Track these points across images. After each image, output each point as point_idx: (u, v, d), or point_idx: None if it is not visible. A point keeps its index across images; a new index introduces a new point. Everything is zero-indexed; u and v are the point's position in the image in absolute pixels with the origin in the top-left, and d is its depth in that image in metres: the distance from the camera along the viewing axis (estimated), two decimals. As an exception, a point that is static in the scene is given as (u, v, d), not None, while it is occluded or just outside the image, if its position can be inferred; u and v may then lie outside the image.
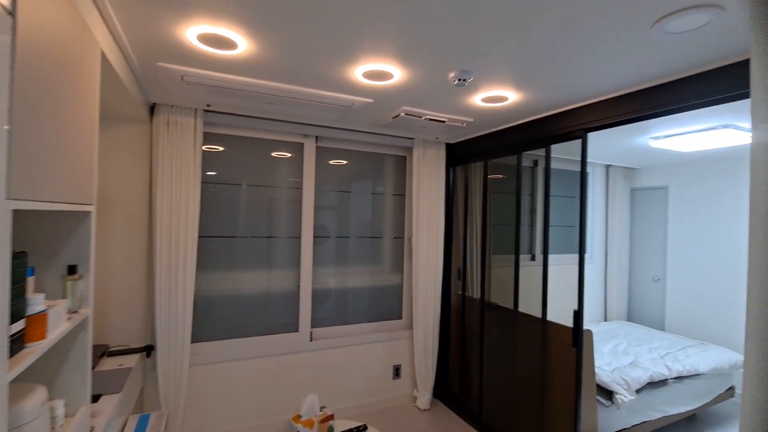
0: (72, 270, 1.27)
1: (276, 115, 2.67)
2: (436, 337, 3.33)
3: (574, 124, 2.25)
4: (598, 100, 2.12)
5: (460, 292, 3.34)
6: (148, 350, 2.46)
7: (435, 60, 1.70)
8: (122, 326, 2.47)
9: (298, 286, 3.05)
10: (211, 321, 2.79)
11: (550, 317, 2.46)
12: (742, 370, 3.13)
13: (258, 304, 2.93)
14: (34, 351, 0.94)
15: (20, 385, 1.05)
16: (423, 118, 2.52)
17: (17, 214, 1.20)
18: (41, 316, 0.99)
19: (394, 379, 3.36)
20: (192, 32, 1.50)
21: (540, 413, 2.46)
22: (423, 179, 3.24)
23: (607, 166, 4.45)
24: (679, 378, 2.89)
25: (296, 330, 3.03)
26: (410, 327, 3.47)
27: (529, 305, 2.64)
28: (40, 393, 1.05)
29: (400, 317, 3.47)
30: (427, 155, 3.27)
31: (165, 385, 2.46)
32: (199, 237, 2.71)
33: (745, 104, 2.09)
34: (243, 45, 1.60)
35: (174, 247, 2.45)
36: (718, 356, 3.13)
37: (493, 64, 1.72)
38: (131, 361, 2.24)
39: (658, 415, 2.77)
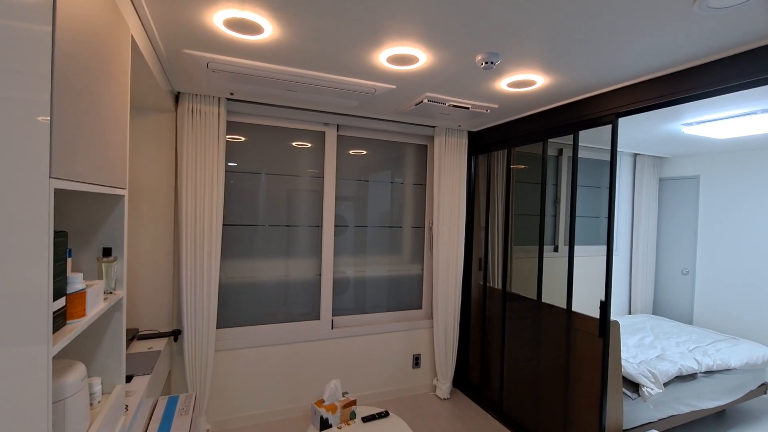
0: (107, 252, 1.30)
1: (298, 103, 2.67)
2: (457, 327, 3.32)
3: (605, 108, 2.18)
4: (631, 83, 2.04)
5: (482, 283, 3.30)
6: (176, 335, 2.52)
7: (462, 41, 1.66)
8: (149, 311, 2.54)
9: (319, 274, 3.08)
10: (235, 307, 2.84)
11: (573, 309, 2.41)
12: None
13: (279, 292, 2.97)
14: (75, 327, 0.97)
15: (61, 361, 1.08)
16: (446, 104, 2.48)
17: (57, 196, 1.24)
18: (81, 294, 1.02)
19: (413, 368, 3.37)
20: (219, 17, 1.50)
21: (563, 404, 2.43)
22: (444, 168, 3.20)
23: (635, 155, 4.31)
24: (708, 372, 2.81)
25: (317, 318, 3.06)
26: (430, 317, 3.46)
27: (552, 296, 2.59)
28: (79, 369, 1.08)
29: (420, 307, 3.46)
30: (448, 143, 3.22)
31: (191, 368, 2.52)
32: (223, 225, 2.76)
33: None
34: (269, 29, 1.60)
35: (199, 234, 2.49)
36: (751, 351, 3.02)
37: (522, 45, 1.67)
38: (160, 344, 2.30)
39: (686, 410, 2.69)
